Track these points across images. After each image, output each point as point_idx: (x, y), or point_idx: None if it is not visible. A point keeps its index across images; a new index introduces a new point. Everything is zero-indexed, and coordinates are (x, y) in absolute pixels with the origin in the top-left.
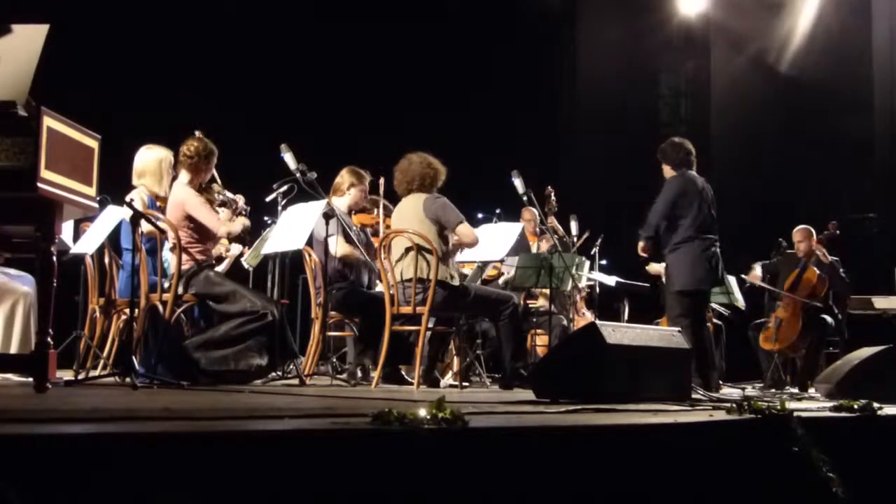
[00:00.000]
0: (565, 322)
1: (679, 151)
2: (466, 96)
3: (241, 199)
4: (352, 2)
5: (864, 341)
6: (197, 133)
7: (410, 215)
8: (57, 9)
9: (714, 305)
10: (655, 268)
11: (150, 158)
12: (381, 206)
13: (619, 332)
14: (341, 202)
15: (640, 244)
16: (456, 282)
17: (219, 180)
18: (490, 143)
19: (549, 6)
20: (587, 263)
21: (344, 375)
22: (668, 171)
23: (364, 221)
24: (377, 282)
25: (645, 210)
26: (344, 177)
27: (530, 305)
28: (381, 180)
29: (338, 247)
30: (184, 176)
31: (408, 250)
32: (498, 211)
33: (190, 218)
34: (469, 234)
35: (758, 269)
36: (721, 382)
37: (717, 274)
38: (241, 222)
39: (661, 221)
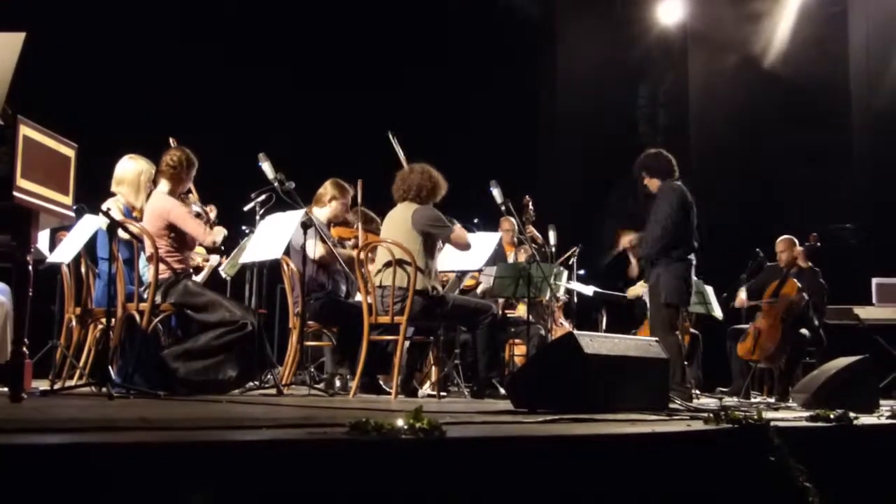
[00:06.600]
0: (543, 332)
1: (660, 160)
2: (444, 106)
3: (213, 211)
4: (325, 12)
5: (842, 351)
6: (172, 142)
7: (398, 224)
8: (32, 17)
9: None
10: (635, 291)
11: (130, 169)
12: (360, 213)
13: (597, 342)
14: (321, 213)
15: (633, 244)
16: (435, 292)
17: (194, 191)
18: (468, 153)
19: (528, 17)
20: (565, 273)
21: (321, 385)
22: (654, 185)
23: (342, 235)
24: (356, 292)
25: (623, 220)
26: (327, 188)
27: (508, 315)
28: (360, 182)
29: (316, 249)
30: (164, 185)
31: (388, 263)
32: (476, 220)
33: (171, 227)
34: (462, 237)
35: (742, 294)
36: (699, 392)
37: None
38: (221, 232)
39: (669, 236)
